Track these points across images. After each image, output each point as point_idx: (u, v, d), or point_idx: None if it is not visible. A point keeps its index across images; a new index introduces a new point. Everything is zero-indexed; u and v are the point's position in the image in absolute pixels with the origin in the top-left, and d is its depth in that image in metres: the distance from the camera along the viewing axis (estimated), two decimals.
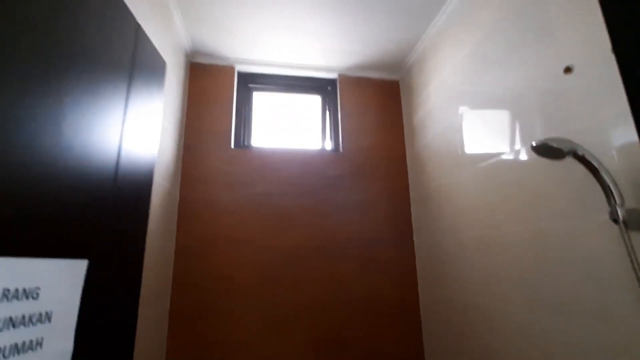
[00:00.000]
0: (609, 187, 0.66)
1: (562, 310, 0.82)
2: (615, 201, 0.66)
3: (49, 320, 0.41)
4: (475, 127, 1.21)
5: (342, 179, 1.69)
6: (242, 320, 1.42)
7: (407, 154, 1.79)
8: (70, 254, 0.46)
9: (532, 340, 0.91)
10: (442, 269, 1.40)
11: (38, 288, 0.40)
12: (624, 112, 0.67)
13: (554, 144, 0.71)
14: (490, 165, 1.11)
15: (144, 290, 1.07)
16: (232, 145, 1.64)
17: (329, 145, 1.81)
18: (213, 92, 1.68)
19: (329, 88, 1.89)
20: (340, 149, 1.75)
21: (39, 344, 0.40)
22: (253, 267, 1.49)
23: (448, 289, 1.35)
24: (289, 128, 1.83)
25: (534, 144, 0.73)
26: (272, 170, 1.63)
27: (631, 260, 0.62)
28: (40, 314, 0.40)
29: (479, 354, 1.14)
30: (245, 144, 1.72)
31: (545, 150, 0.72)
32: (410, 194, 1.73)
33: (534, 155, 0.92)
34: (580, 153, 0.69)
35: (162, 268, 1.30)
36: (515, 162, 1.00)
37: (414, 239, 1.66)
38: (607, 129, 0.73)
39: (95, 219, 0.54)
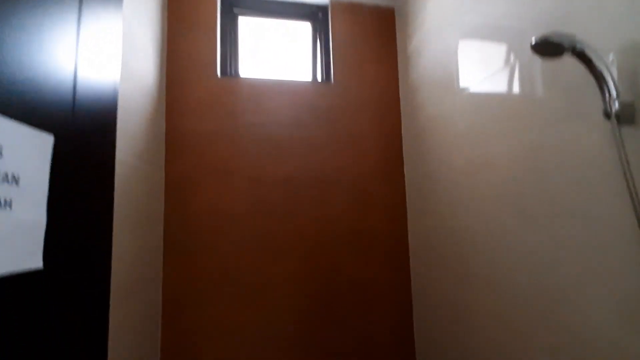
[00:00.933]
0: (604, 79, 0.64)
1: (550, 220, 0.84)
2: (609, 94, 0.64)
3: (17, 183, 0.39)
4: (470, 53, 1.15)
5: (333, 112, 1.64)
6: (234, 251, 1.45)
7: (400, 86, 1.73)
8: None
9: (520, 256, 0.94)
10: (431, 198, 1.42)
11: (1, 146, 0.37)
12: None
13: (554, 38, 0.67)
14: (483, 88, 1.07)
15: (133, 221, 1.07)
16: (219, 74, 1.56)
17: (319, 77, 1.73)
18: (195, 17, 1.56)
19: (320, 15, 1.77)
20: (332, 81, 1.68)
21: (8, 204, 0.38)
22: (243, 198, 1.49)
23: (436, 217, 1.38)
24: (278, 57, 1.74)
25: (533, 41, 0.70)
26: (261, 101, 1.57)
27: (620, 157, 0.62)
28: (7, 174, 0.38)
29: (462, 273, 1.19)
30: (232, 73, 1.64)
31: (546, 46, 0.69)
32: (403, 126, 1.70)
33: (527, 68, 0.89)
34: (579, 47, 0.66)
35: (152, 199, 1.29)
36: (509, 79, 0.96)
37: (405, 172, 1.67)
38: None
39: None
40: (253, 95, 1.57)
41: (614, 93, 0.63)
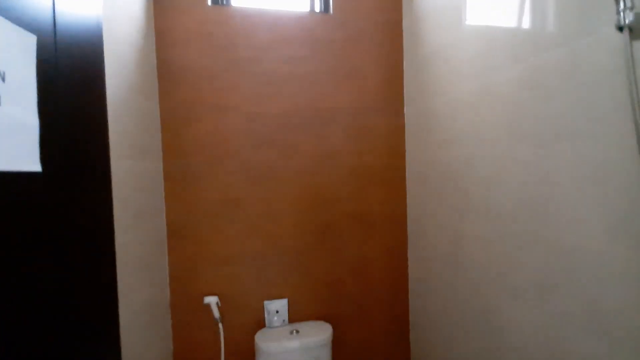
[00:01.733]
0: None
1: (552, 142, 0.84)
2: (624, 4, 0.60)
3: (3, 80, 0.38)
4: None
5: (333, 44, 1.56)
6: (234, 183, 1.47)
7: (403, 16, 1.63)
8: None
9: (517, 181, 0.96)
10: (431, 131, 1.41)
11: None
12: None
13: None
14: (491, 15, 1.01)
15: (129, 148, 1.07)
16: (209, 2, 1.46)
17: (318, 7, 1.62)
18: None
19: None
20: (331, 11, 1.57)
21: None
22: (241, 134, 1.48)
23: (435, 151, 1.38)
24: None
25: None
26: (255, 32, 1.49)
27: (628, 73, 0.60)
28: None
29: (459, 203, 1.23)
30: (224, 1, 1.52)
31: None
32: (404, 59, 1.63)
33: None
34: None
35: (149, 130, 1.28)
36: (519, 3, 0.90)
37: (405, 108, 1.64)
38: None
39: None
40: (247, 26, 1.48)
41: (629, 3, 0.60)
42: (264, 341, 1.37)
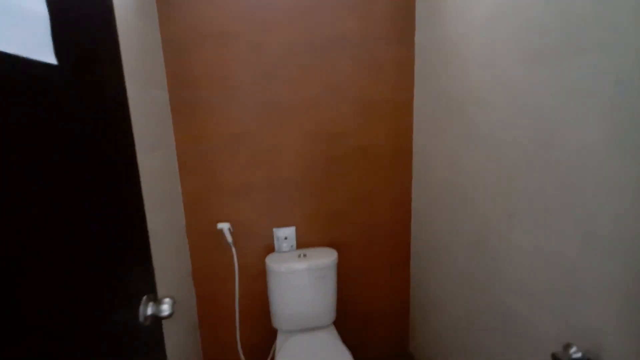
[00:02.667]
0: None
1: (567, 59, 0.81)
2: None
3: None
4: None
5: None
6: (238, 116, 1.48)
7: None
8: None
9: (525, 104, 0.95)
10: (441, 60, 1.37)
11: None
12: None
13: None
14: None
15: (136, 75, 1.06)
16: None
17: None
18: None
19: None
20: None
21: None
22: (245, 64, 1.45)
23: (445, 82, 1.35)
24: None
25: None
26: None
27: None
28: None
29: (465, 134, 1.23)
30: None
31: None
32: None
33: None
34: None
35: (152, 59, 1.26)
36: None
37: (415, 37, 1.56)
38: None
39: None
40: None
41: None
42: (274, 262, 1.49)
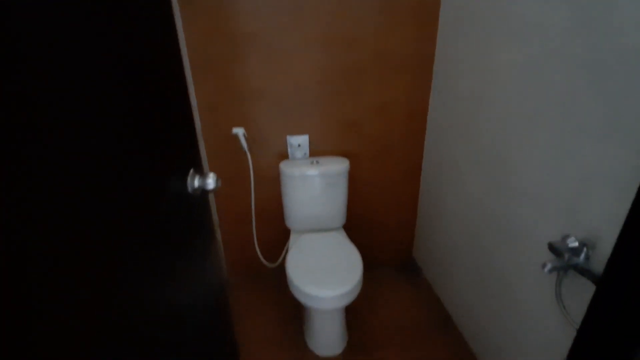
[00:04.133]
0: None
1: None
2: None
3: None
4: None
5: None
6: (251, 11, 1.38)
7: None
8: None
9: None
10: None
11: None
12: None
13: None
14: None
15: None
16: None
17: None
18: None
19: None
20: None
21: None
22: None
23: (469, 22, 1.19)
24: None
25: None
26: None
27: None
28: None
29: (482, 68, 1.13)
30: None
31: None
32: None
33: None
34: None
35: None
36: None
37: None
38: None
39: None
40: None
41: None
42: (287, 167, 1.54)
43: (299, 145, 1.64)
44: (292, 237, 1.64)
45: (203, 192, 0.78)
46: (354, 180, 1.75)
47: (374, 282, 1.86)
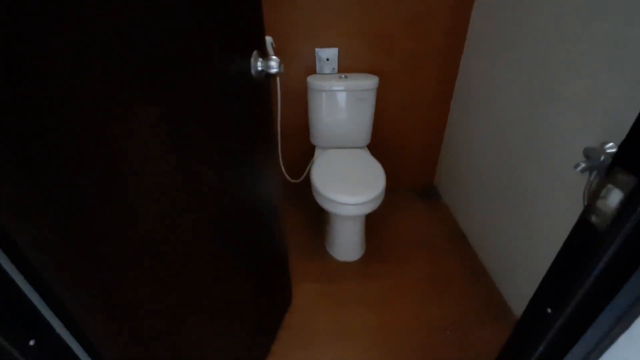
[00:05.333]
0: None
1: None
2: None
3: None
4: None
5: None
6: None
7: None
8: None
9: None
10: None
11: None
12: None
13: None
14: None
15: None
16: None
17: None
18: None
19: None
20: None
21: None
22: None
23: None
24: None
25: None
26: None
27: None
28: None
29: None
30: None
31: None
32: None
33: None
34: None
35: None
36: None
37: None
38: None
39: None
40: None
41: None
42: (315, 80, 1.51)
43: (328, 60, 1.58)
44: (317, 152, 1.67)
45: (267, 76, 0.77)
46: (382, 99, 1.71)
47: (394, 203, 1.91)
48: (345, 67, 1.62)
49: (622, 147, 0.34)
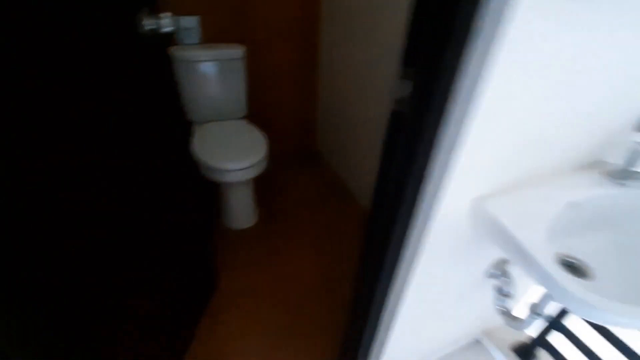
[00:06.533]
0: None
1: None
2: None
3: None
4: None
5: None
6: None
7: None
8: None
9: None
10: None
11: None
12: None
13: None
14: None
15: None
16: None
17: None
18: None
19: None
20: None
21: None
22: None
23: None
24: None
25: None
26: None
27: None
28: None
29: None
30: None
31: None
32: None
33: None
34: None
35: None
36: None
37: None
38: None
39: None
40: None
41: None
42: (178, 52, 1.44)
43: (189, 29, 1.52)
44: (195, 128, 1.61)
45: (161, 37, 0.70)
46: (254, 69, 1.74)
47: (281, 169, 2.02)
48: (209, 38, 1.59)
49: (403, 51, 0.47)
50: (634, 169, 0.65)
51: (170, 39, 1.51)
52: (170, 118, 0.89)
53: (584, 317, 0.49)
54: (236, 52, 1.52)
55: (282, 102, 1.95)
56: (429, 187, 0.55)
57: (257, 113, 1.86)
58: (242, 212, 1.55)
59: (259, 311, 1.25)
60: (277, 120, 2.00)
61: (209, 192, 1.61)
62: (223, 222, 1.60)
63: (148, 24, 0.66)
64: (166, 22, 0.69)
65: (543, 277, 0.48)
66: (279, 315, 1.24)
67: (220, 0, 1.52)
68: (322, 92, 1.97)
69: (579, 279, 0.60)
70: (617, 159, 0.67)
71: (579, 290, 0.45)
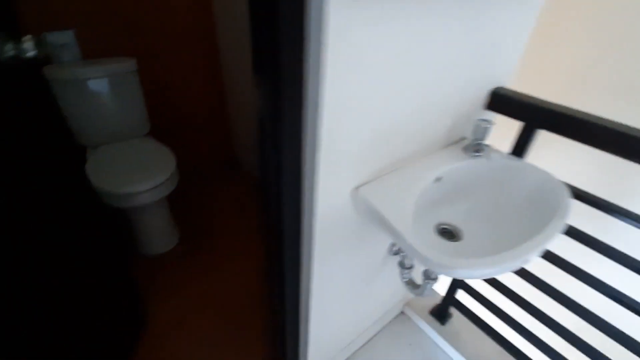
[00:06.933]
0: None
1: None
2: None
3: None
4: None
5: None
6: None
7: None
8: None
9: None
10: None
11: None
12: None
13: None
14: None
15: None
16: None
17: None
18: None
19: None
20: None
21: None
22: None
23: None
24: None
25: None
26: None
27: None
28: None
29: None
30: None
31: None
32: None
33: None
34: None
35: None
36: None
37: None
38: None
39: None
40: None
41: None
42: (54, 72, 1.28)
43: (64, 45, 1.37)
44: (89, 153, 1.46)
45: (29, 64, 0.60)
46: (153, 81, 1.64)
47: (200, 182, 1.94)
48: (96, 53, 1.45)
49: (252, 59, 0.49)
50: (484, 142, 0.76)
51: (46, 59, 1.35)
52: (50, 146, 0.80)
53: (447, 276, 0.57)
54: (126, 65, 1.42)
55: (189, 112, 1.87)
56: (305, 185, 0.58)
57: (163, 128, 1.77)
58: (160, 236, 1.46)
59: (195, 339, 1.19)
60: (187, 131, 1.92)
61: (116, 220, 1.49)
62: (140, 250, 1.49)
63: (7, 50, 0.59)
64: (28, 46, 0.63)
65: (409, 249, 0.55)
66: (218, 333, 1.20)
67: (99, 11, 1.40)
68: (230, 96, 1.93)
69: (451, 242, 0.69)
70: (471, 135, 0.78)
71: (436, 256, 0.52)
